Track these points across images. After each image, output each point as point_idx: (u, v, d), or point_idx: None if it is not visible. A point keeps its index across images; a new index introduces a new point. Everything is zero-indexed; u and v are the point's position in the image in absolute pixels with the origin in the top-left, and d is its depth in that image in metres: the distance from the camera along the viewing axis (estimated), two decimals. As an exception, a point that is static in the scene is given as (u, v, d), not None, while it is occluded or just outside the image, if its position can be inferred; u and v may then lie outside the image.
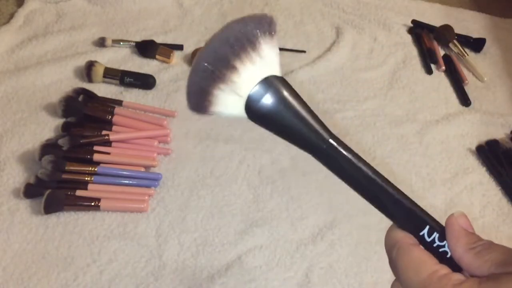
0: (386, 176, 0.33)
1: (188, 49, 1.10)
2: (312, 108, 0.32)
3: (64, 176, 0.82)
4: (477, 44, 1.25)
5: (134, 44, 1.08)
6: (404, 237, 0.33)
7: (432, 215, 0.34)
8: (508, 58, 1.25)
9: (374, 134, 1.01)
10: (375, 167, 0.33)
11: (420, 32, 1.26)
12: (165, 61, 1.07)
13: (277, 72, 0.31)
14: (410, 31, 1.27)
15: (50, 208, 0.79)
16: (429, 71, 1.17)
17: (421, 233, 0.33)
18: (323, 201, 0.88)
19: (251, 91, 0.30)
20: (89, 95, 0.95)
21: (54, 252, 0.76)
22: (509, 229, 0.90)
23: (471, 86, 1.16)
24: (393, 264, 0.33)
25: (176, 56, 1.09)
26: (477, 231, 0.32)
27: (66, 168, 0.82)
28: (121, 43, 1.08)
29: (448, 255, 0.32)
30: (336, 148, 0.32)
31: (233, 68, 0.30)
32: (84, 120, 0.91)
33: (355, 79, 1.12)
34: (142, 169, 0.86)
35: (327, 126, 0.32)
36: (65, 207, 0.80)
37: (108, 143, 0.88)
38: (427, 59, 1.19)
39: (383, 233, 0.91)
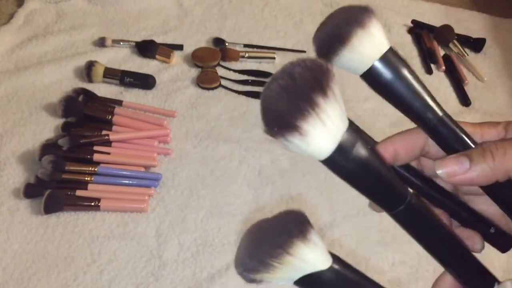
0: None
1: (188, 49, 1.10)
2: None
3: (64, 176, 0.82)
4: (477, 44, 1.25)
5: (134, 44, 1.08)
6: None
7: None
8: (508, 58, 1.25)
9: (374, 134, 1.01)
10: None
11: (420, 32, 1.25)
12: (165, 61, 1.07)
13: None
14: (410, 31, 1.27)
15: (50, 208, 0.79)
16: (429, 71, 1.17)
17: None
18: (323, 201, 0.88)
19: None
20: (89, 95, 0.95)
21: (54, 252, 0.77)
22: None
23: (471, 86, 1.16)
24: None
25: (176, 56, 1.09)
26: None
27: (66, 168, 0.82)
28: (121, 43, 1.08)
29: None
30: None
31: None
32: (84, 120, 0.91)
33: (355, 79, 1.12)
34: (142, 169, 0.86)
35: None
36: (65, 207, 0.80)
37: (108, 143, 0.88)
38: (427, 59, 1.19)
39: (383, 233, 0.91)
